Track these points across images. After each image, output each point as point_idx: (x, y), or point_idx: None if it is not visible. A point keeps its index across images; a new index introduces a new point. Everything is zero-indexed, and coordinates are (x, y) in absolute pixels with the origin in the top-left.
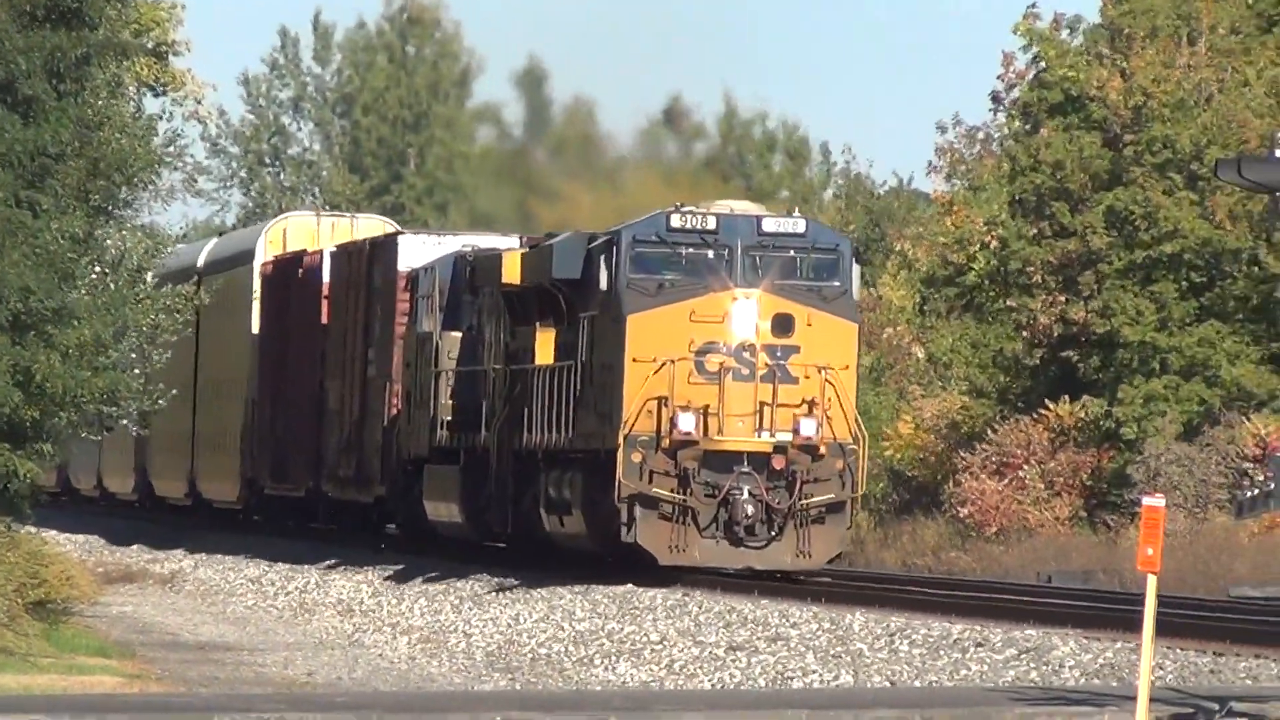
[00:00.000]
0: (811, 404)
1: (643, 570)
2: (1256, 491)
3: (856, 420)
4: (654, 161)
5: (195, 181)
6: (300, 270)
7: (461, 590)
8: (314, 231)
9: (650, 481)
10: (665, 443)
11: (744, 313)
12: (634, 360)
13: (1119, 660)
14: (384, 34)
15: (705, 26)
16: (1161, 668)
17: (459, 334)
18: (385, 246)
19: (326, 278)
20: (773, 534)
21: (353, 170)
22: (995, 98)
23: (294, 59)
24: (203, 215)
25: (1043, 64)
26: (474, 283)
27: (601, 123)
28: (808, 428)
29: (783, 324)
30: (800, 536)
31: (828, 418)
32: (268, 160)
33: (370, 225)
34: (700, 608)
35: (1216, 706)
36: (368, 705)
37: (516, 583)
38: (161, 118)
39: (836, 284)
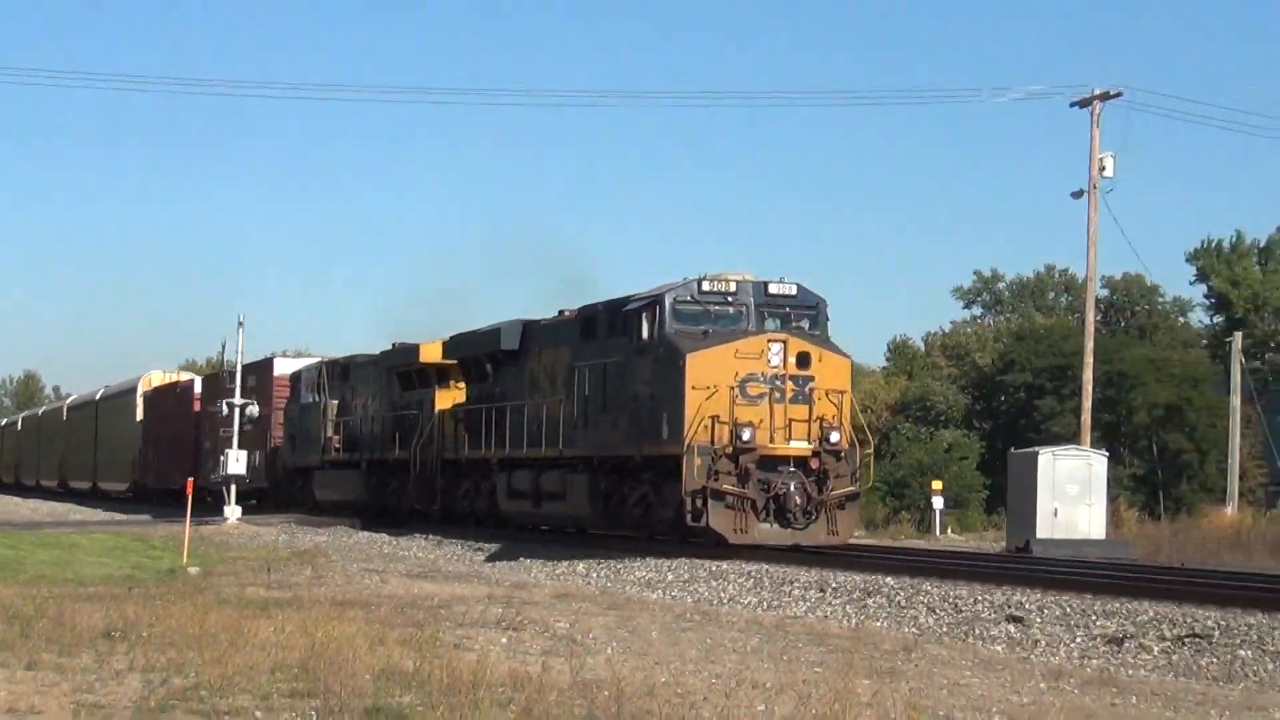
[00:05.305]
0: (825, 419)
1: None
2: None
3: (860, 429)
4: None
5: None
6: (177, 389)
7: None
8: (164, 378)
9: (717, 480)
10: (729, 449)
11: (776, 351)
12: (693, 388)
13: None
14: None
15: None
16: None
17: (336, 401)
18: (261, 365)
19: (197, 391)
20: (811, 518)
21: None
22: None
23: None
24: None
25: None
26: (344, 374)
27: None
28: (835, 437)
29: (803, 359)
30: (830, 519)
31: (840, 429)
32: None
33: (185, 375)
34: None
35: None
36: None
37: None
38: None
39: (820, 332)
